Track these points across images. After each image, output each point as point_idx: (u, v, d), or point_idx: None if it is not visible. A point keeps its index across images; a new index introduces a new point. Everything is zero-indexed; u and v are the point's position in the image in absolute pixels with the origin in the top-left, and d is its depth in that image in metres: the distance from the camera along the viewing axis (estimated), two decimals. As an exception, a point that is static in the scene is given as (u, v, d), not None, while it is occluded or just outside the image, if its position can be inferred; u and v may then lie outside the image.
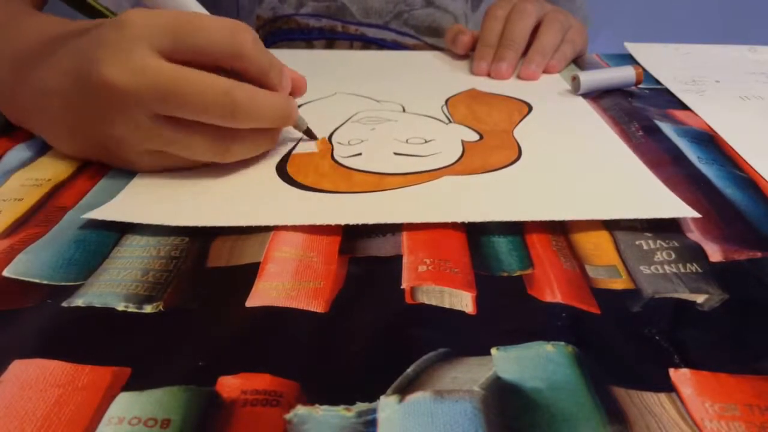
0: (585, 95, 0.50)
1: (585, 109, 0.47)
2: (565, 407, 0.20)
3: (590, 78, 0.50)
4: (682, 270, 0.28)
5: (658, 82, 0.54)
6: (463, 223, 0.30)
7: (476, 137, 0.41)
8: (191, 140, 0.32)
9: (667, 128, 0.43)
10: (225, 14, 0.32)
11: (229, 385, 0.21)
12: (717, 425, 0.20)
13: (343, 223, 0.30)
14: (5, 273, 0.26)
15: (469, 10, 0.71)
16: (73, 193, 0.33)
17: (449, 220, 0.30)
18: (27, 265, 0.27)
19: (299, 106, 0.46)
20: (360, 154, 0.38)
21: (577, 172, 0.36)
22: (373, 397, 0.20)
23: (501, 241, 0.30)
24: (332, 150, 0.39)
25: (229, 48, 0.31)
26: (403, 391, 0.21)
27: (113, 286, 0.26)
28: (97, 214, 0.30)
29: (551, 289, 0.26)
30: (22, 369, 0.21)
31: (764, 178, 0.36)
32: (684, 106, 0.48)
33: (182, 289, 0.26)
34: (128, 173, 0.34)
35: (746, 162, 0.38)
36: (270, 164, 0.36)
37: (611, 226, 0.31)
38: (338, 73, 0.55)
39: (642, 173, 0.36)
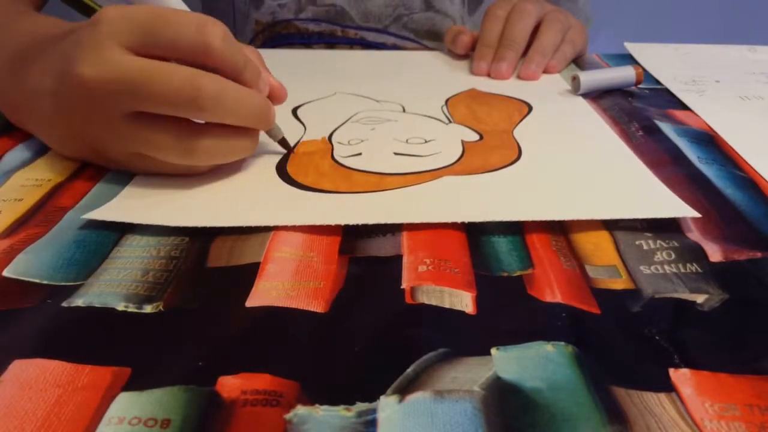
0: (585, 95, 0.50)
1: (585, 109, 0.47)
2: (565, 407, 0.20)
3: (590, 78, 0.50)
4: (682, 270, 0.28)
5: (658, 82, 0.54)
6: (463, 223, 0.30)
7: (476, 137, 0.41)
8: (159, 138, 0.31)
9: (667, 128, 0.43)
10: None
11: (229, 385, 0.21)
12: (717, 425, 0.20)
13: (343, 223, 0.30)
14: (5, 273, 0.26)
15: (466, 14, 0.71)
16: (73, 193, 0.33)
17: (449, 220, 0.30)
18: (27, 265, 0.27)
19: (299, 107, 0.46)
20: (360, 154, 0.38)
21: (577, 172, 0.36)
22: (373, 397, 0.20)
23: (501, 241, 0.30)
24: (332, 150, 0.39)
25: (197, 42, 0.30)
26: (403, 391, 0.21)
27: (113, 286, 0.26)
28: (97, 215, 0.30)
29: (551, 289, 0.26)
30: (22, 369, 0.21)
31: (764, 178, 0.36)
32: (684, 106, 0.48)
33: (182, 289, 0.26)
34: (128, 174, 0.34)
35: (746, 162, 0.38)
36: (270, 164, 0.36)
37: (611, 226, 0.31)
38: (338, 73, 0.55)
39: (642, 173, 0.36)
